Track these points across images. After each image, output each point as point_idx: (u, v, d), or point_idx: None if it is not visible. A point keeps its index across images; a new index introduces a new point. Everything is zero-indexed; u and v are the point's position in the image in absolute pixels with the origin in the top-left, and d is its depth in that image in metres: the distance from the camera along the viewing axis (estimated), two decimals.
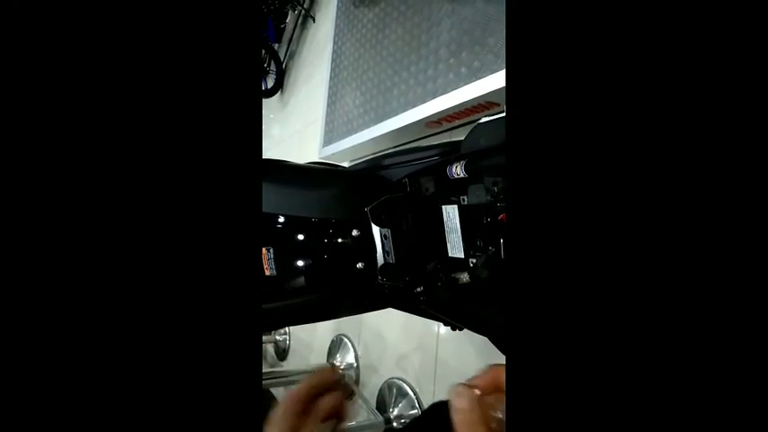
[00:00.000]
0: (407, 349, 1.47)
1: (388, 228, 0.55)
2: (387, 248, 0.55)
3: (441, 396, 1.31)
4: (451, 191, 0.57)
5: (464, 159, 0.51)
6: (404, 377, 1.44)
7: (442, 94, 1.22)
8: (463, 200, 0.56)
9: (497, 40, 1.07)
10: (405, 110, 1.37)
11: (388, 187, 0.59)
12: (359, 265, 0.56)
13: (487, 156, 0.49)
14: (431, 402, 1.33)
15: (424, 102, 1.29)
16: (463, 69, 1.16)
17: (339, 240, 0.56)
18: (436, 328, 1.36)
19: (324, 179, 0.62)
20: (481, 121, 0.50)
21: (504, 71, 1.04)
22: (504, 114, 0.49)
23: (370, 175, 0.62)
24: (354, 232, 0.56)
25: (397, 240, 0.56)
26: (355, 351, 1.72)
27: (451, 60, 1.21)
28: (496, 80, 1.04)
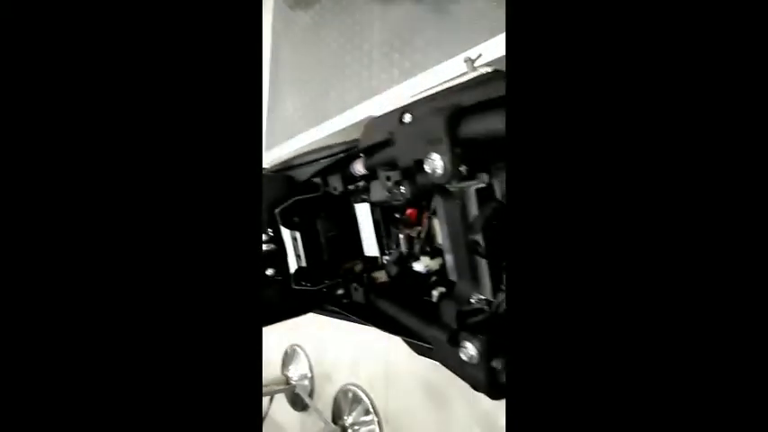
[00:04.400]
0: (359, 354, 1.44)
1: (299, 230, 0.53)
2: (297, 252, 0.53)
3: (394, 398, 1.30)
4: (361, 188, 0.55)
5: (363, 155, 0.50)
6: (357, 383, 1.42)
7: (378, 95, 1.21)
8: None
9: (425, 40, 1.08)
10: (343, 112, 1.36)
11: (297, 188, 0.57)
12: (268, 271, 0.53)
13: (379, 149, 0.48)
14: (384, 405, 1.32)
15: (359, 103, 1.28)
16: (395, 71, 1.17)
17: None
18: None
19: None
20: (374, 115, 0.49)
21: (432, 69, 1.05)
22: (394, 108, 0.48)
23: (279, 177, 0.59)
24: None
25: (307, 243, 0.53)
26: (309, 361, 1.68)
27: (384, 62, 1.21)
28: (428, 78, 1.05)
